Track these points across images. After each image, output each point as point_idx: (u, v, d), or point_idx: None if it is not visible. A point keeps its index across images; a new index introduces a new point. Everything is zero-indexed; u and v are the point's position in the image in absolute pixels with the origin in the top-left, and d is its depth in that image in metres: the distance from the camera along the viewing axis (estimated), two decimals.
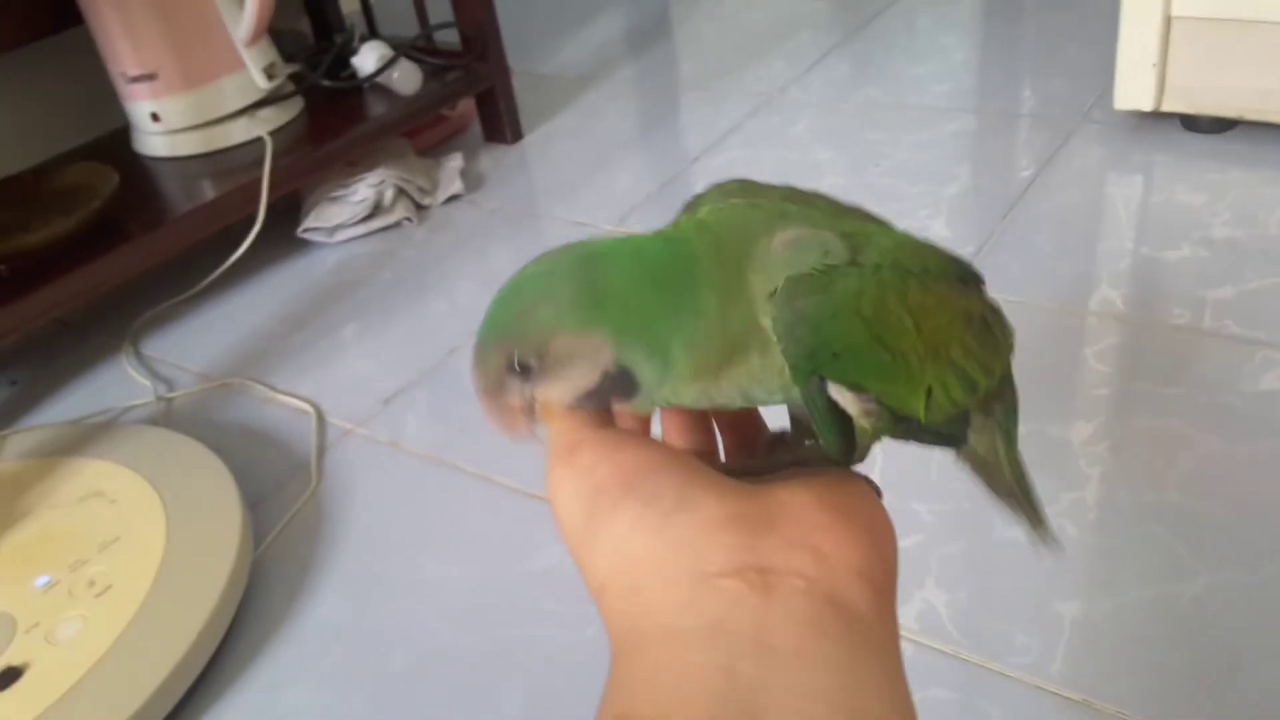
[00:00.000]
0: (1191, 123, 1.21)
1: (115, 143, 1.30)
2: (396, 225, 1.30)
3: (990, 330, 0.36)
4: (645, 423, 0.35)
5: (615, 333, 0.30)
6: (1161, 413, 0.84)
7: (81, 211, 1.09)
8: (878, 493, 0.32)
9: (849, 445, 0.32)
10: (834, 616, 0.26)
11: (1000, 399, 0.37)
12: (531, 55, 1.75)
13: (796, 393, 0.31)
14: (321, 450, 0.94)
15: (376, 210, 1.28)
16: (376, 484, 0.90)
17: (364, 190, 1.27)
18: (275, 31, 1.27)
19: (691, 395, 0.31)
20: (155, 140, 1.25)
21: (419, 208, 1.32)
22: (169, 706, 0.70)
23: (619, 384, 0.31)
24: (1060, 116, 1.30)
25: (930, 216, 1.14)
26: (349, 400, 1.00)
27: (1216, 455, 0.79)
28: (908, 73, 1.50)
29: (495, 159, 1.44)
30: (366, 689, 0.72)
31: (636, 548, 0.28)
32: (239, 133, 1.25)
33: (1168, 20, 1.13)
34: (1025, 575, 0.72)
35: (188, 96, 1.22)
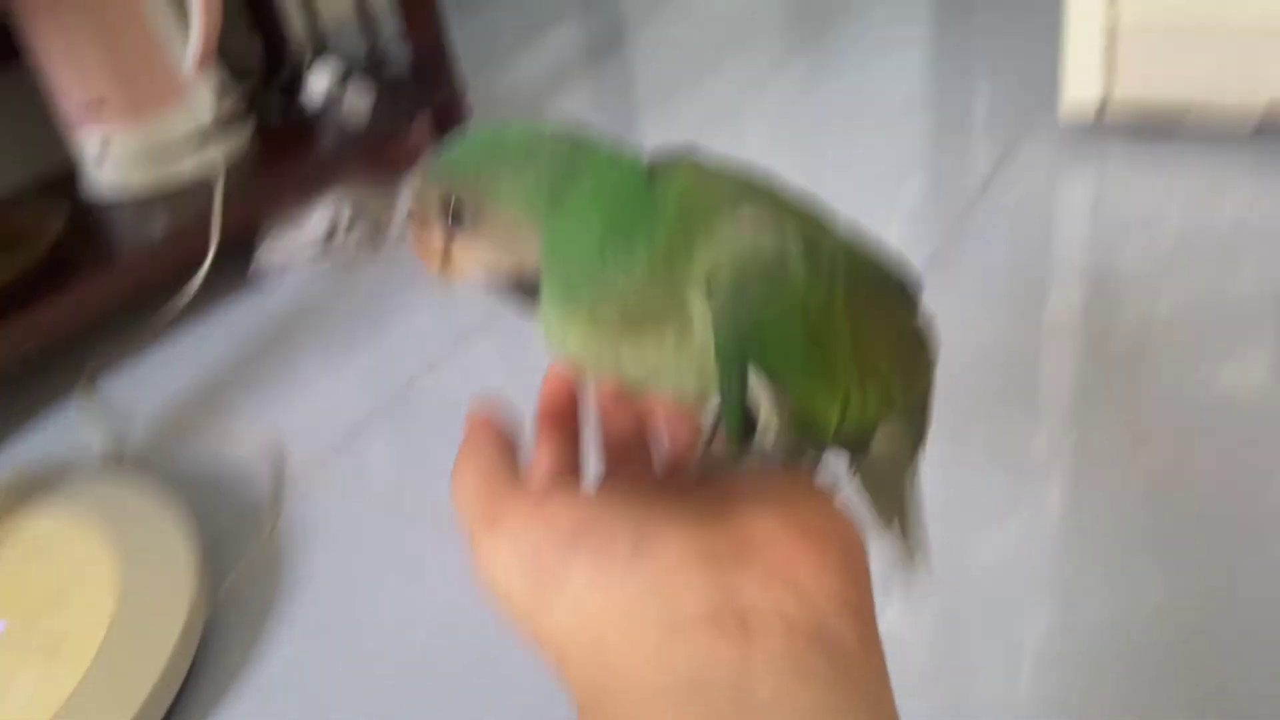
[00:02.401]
0: (1137, 130, 1.21)
1: (63, 184, 1.28)
2: (354, 254, 1.28)
3: (921, 346, 0.36)
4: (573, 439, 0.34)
5: (550, 238, 0.29)
6: (1117, 419, 0.85)
7: (28, 253, 1.07)
8: (834, 490, 0.31)
9: (747, 443, 0.31)
10: (818, 655, 0.24)
11: (912, 419, 0.36)
12: (487, 70, 1.74)
13: (711, 384, 0.30)
14: (279, 490, 0.93)
15: (333, 239, 1.27)
16: (336, 523, 0.89)
17: (319, 220, 1.26)
18: (225, 57, 1.25)
19: (583, 345, 0.30)
20: (105, 177, 1.23)
21: (376, 235, 1.31)
22: None
23: (526, 286, 0.31)
24: (1010, 125, 1.31)
25: (886, 221, 1.14)
26: (307, 437, 0.99)
27: (1174, 457, 0.80)
28: (861, 81, 1.50)
29: None
30: None
31: (595, 603, 0.26)
32: (189, 167, 1.23)
33: (1111, 30, 1.14)
34: (991, 592, 0.72)
35: (136, 125, 1.20)
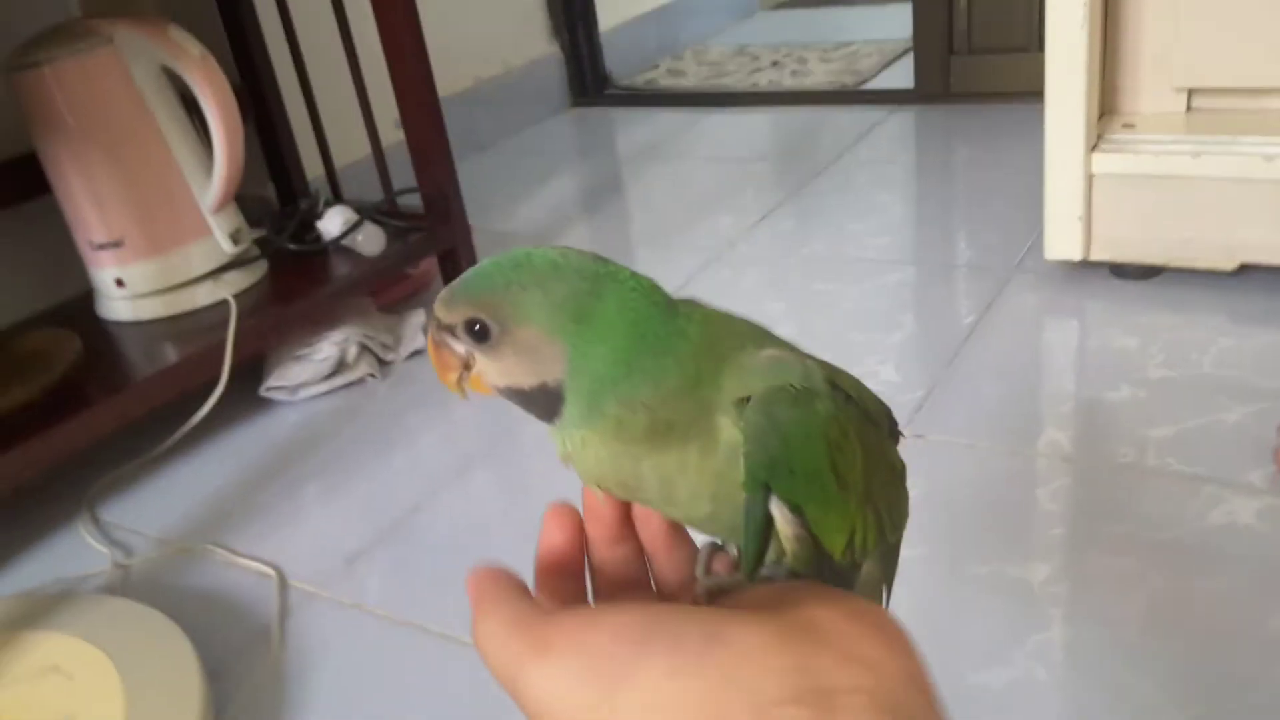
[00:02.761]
0: (1120, 270, 1.28)
1: (79, 307, 1.32)
2: (360, 381, 1.31)
3: (904, 487, 0.37)
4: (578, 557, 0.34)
5: (576, 355, 0.30)
6: (1115, 551, 0.87)
7: (42, 379, 1.09)
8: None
9: (759, 560, 0.32)
10: None
11: (887, 560, 0.38)
12: (490, 214, 1.82)
13: (723, 508, 0.31)
14: (284, 614, 0.93)
15: (340, 367, 1.30)
16: (341, 647, 0.89)
17: (327, 348, 1.29)
18: (240, 197, 1.30)
19: (599, 458, 0.31)
20: (119, 305, 1.27)
21: (382, 363, 1.34)
22: None
23: (548, 402, 0.31)
24: (995, 266, 1.37)
25: (879, 363, 1.18)
26: (311, 562, 0.99)
27: (1171, 592, 0.82)
28: (849, 227, 1.57)
29: None
30: None
31: (674, 698, 0.25)
32: (204, 296, 1.27)
33: (1089, 178, 1.22)
34: (997, 715, 0.73)
35: (153, 263, 1.24)
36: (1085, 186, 1.22)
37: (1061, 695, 0.75)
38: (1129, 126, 1.23)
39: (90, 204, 1.22)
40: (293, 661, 0.87)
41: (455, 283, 0.32)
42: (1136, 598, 0.81)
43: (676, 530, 0.35)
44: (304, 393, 1.29)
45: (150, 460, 1.18)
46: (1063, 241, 1.26)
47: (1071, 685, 0.75)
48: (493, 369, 0.31)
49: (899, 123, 2.00)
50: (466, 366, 0.32)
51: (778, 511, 0.31)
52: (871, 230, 1.55)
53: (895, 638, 0.27)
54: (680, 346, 0.30)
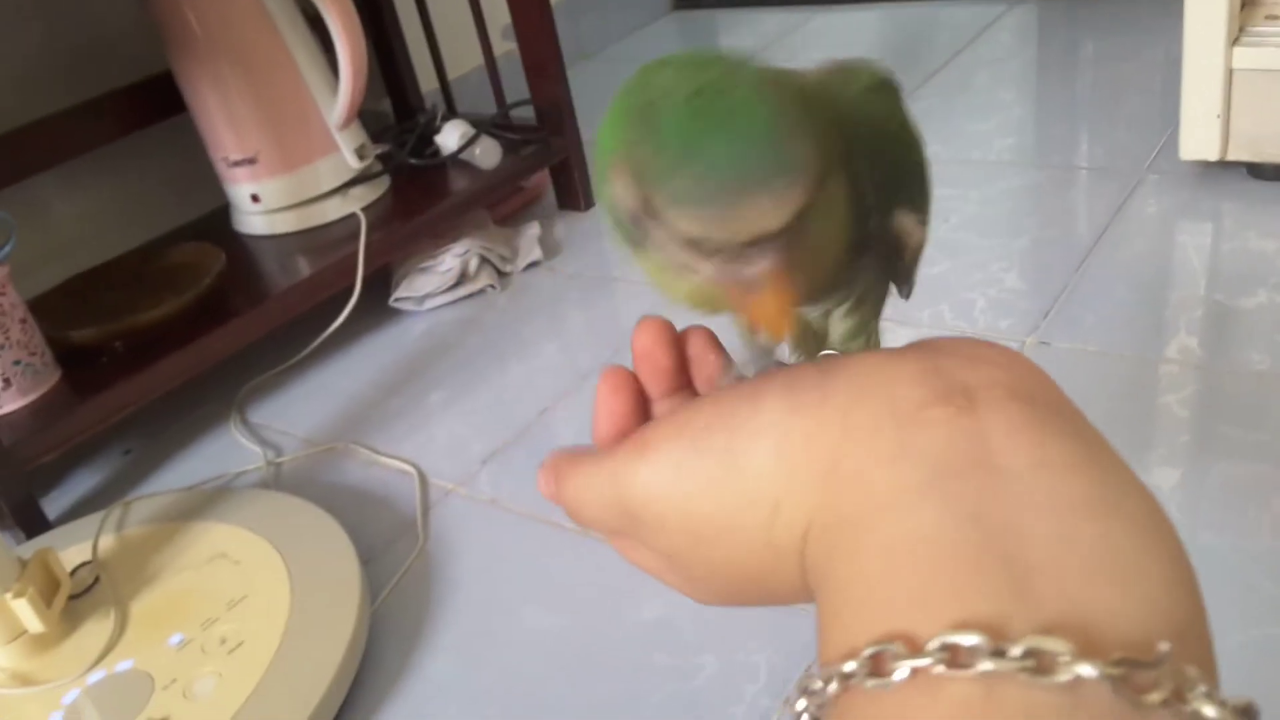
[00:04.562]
0: (1258, 170, 1.22)
1: (215, 222, 1.38)
2: (481, 292, 1.35)
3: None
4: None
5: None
6: (1248, 458, 0.85)
7: (193, 290, 1.16)
8: None
9: (907, 275, 0.31)
10: (1050, 414, 0.22)
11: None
12: (598, 123, 1.82)
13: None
14: (426, 510, 0.98)
15: (462, 279, 1.34)
16: (480, 541, 0.94)
17: (450, 260, 1.33)
18: (360, 113, 1.34)
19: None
20: (255, 219, 1.32)
21: (501, 275, 1.38)
22: None
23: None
24: (1125, 168, 1.32)
25: (1004, 270, 1.17)
26: (448, 461, 1.05)
27: None
28: (969, 128, 1.53)
29: (570, 226, 1.50)
30: None
31: (802, 428, 0.23)
32: (333, 210, 1.32)
33: (1229, 72, 1.16)
34: None
35: (286, 178, 1.29)
36: (1225, 82, 1.17)
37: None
38: (1273, 18, 1.16)
39: (225, 122, 1.27)
40: (436, 552, 0.93)
41: (733, 180, 0.22)
42: (1269, 505, 0.81)
43: (730, 366, 0.31)
44: (430, 303, 1.34)
45: (292, 367, 1.25)
46: (1199, 140, 1.21)
47: (1205, 589, 0.75)
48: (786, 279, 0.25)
49: (1019, 17, 1.92)
50: (781, 306, 0.25)
51: (905, 222, 0.30)
52: (993, 131, 1.51)
53: (1008, 351, 0.25)
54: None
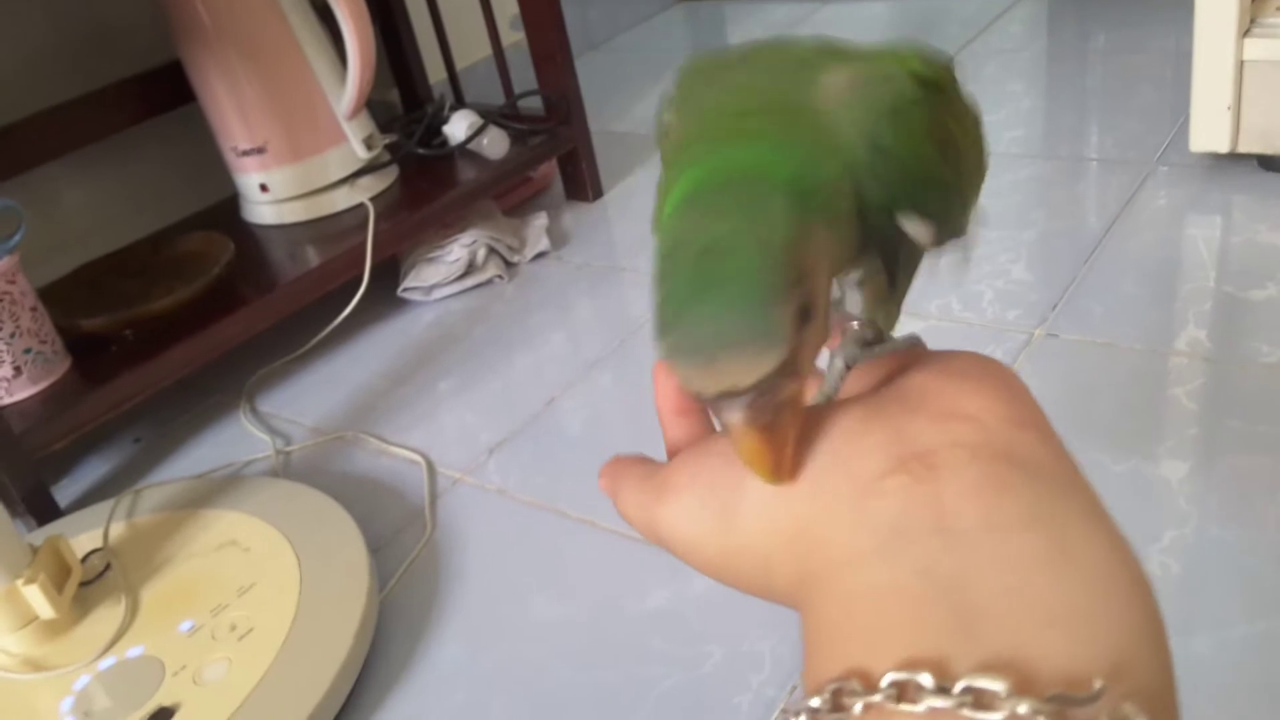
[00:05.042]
0: (1269, 162, 1.22)
1: (224, 212, 1.39)
2: (489, 283, 1.35)
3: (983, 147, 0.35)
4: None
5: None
6: (1255, 451, 0.85)
7: (202, 279, 1.16)
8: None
9: (900, 271, 0.31)
10: (1012, 473, 0.23)
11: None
12: (607, 114, 1.82)
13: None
14: (434, 498, 0.99)
15: (470, 269, 1.34)
16: (488, 530, 0.94)
17: (458, 250, 1.34)
18: (369, 103, 1.34)
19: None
20: (263, 209, 1.33)
21: (509, 265, 1.38)
22: None
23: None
24: (1134, 159, 1.32)
25: (1011, 261, 1.16)
26: (455, 450, 1.05)
27: None
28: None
29: (577, 216, 1.50)
30: None
31: (781, 500, 0.25)
32: (341, 200, 1.32)
33: (1240, 64, 1.15)
34: None
35: (294, 168, 1.29)
36: (1236, 74, 1.16)
37: (1196, 589, 0.75)
38: None
39: (234, 111, 1.27)
40: (444, 540, 0.93)
41: (709, 344, 0.24)
42: (1276, 498, 0.80)
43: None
44: (437, 293, 1.34)
45: (300, 356, 1.25)
46: (1209, 132, 1.20)
47: (1206, 580, 0.76)
48: (814, 344, 0.26)
49: (1029, 8, 1.91)
50: (795, 407, 0.25)
51: (909, 227, 0.29)
52: (1002, 122, 1.50)
53: (997, 386, 0.25)
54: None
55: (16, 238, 1.03)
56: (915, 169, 0.28)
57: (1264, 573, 0.75)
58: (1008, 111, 1.54)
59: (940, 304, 1.11)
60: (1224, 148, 1.20)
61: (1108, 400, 0.94)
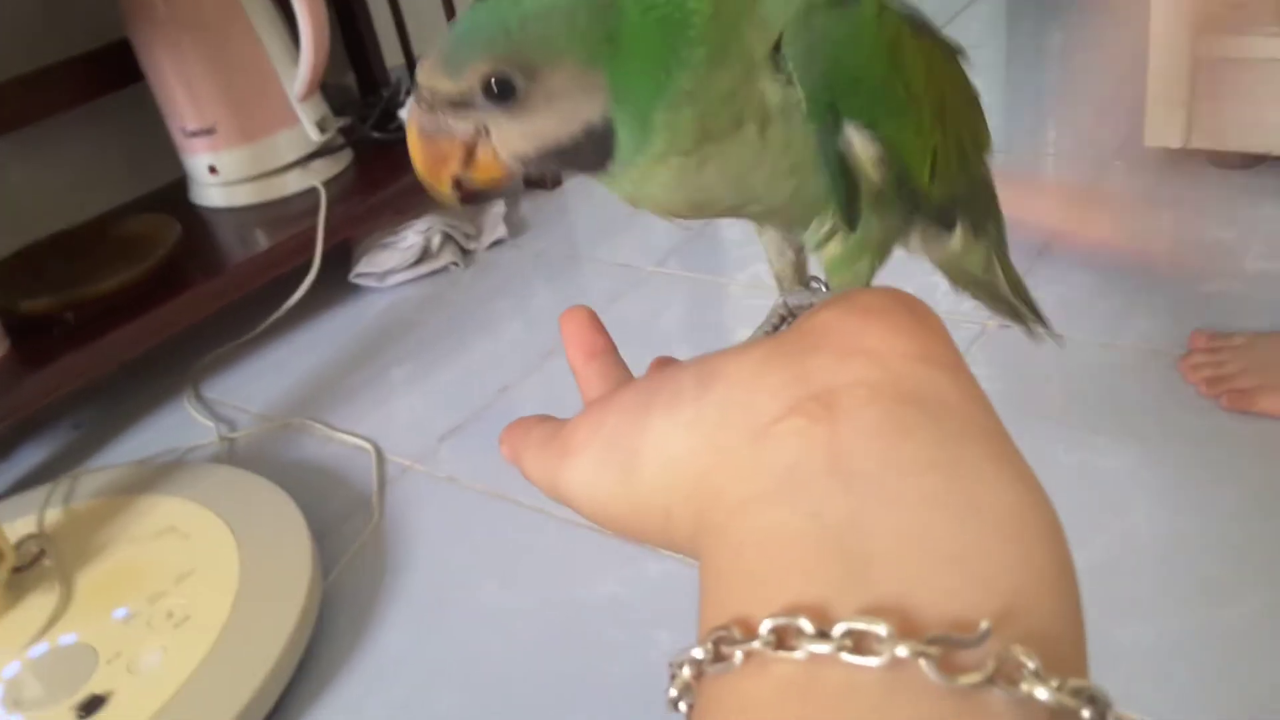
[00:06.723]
0: (1220, 159, 1.23)
1: (173, 194, 1.36)
2: (444, 269, 1.34)
3: (979, 107, 0.35)
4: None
5: (617, 79, 0.26)
6: (1205, 442, 0.86)
7: (147, 261, 1.13)
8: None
9: (854, 206, 0.30)
10: (912, 410, 0.22)
11: (991, 217, 0.38)
12: None
13: (805, 175, 0.28)
14: (382, 486, 0.97)
15: (425, 255, 1.32)
16: (436, 518, 0.93)
17: (412, 236, 1.32)
18: (323, 85, 1.32)
19: (664, 183, 0.28)
20: (212, 191, 1.30)
21: (465, 252, 1.36)
22: None
23: (595, 147, 0.27)
24: (1090, 155, 1.33)
25: None
26: (406, 438, 1.03)
27: (1261, 484, 0.81)
28: None
29: (536, 204, 1.49)
30: (437, 717, 0.74)
31: (679, 446, 0.24)
32: (293, 183, 1.29)
33: (1194, 60, 1.16)
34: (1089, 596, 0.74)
35: (244, 149, 1.27)
36: (1190, 69, 1.17)
37: (1143, 578, 0.75)
38: (1238, 7, 1.17)
39: (183, 91, 1.24)
40: (392, 528, 0.92)
41: (450, 39, 0.27)
42: (1226, 489, 0.81)
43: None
44: (391, 279, 1.32)
45: (248, 341, 1.23)
46: (1163, 128, 1.21)
47: (1152, 570, 0.76)
48: (520, 132, 0.27)
49: (988, 6, 1.92)
50: (468, 155, 0.28)
51: (855, 137, 0.28)
52: None
53: (903, 321, 0.24)
54: (695, 20, 0.27)
55: None
56: (850, 61, 0.27)
57: (1209, 563, 0.75)
58: None
59: None
60: (1177, 143, 1.21)
61: (1058, 391, 0.95)
